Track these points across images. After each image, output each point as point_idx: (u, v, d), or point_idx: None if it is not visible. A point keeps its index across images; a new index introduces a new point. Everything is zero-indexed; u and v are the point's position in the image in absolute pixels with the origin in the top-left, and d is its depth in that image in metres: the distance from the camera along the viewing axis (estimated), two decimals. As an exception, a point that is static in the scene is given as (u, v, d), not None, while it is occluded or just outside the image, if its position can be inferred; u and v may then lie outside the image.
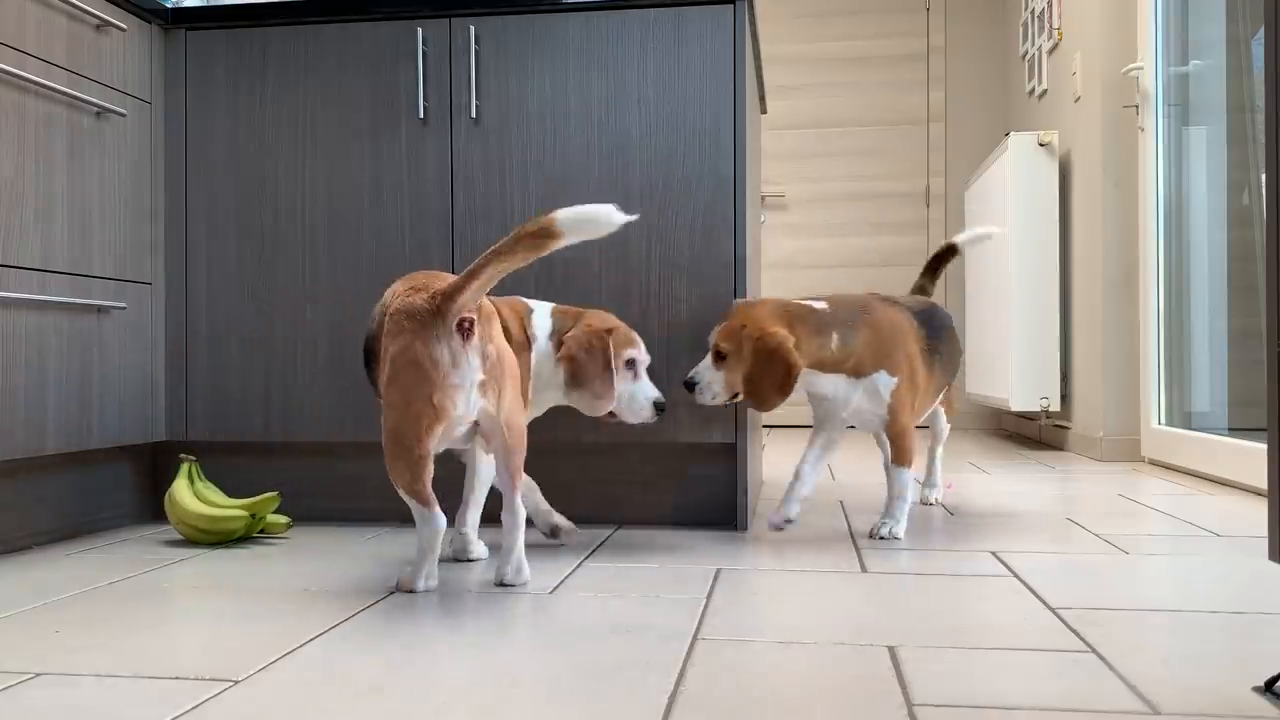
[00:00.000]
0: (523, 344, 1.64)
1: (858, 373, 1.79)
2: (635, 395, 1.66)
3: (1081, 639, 1.17)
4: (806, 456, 1.89)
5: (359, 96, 1.99)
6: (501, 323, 1.56)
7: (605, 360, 1.61)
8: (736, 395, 1.75)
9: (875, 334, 1.79)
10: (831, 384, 1.80)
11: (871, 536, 1.83)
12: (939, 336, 1.93)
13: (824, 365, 1.78)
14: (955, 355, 2.02)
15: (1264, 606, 1.32)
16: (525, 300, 1.70)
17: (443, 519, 1.40)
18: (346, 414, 1.98)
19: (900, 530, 1.84)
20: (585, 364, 1.61)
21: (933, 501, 2.27)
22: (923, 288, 2.19)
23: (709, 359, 1.74)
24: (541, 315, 1.68)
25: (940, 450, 2.33)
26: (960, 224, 4.76)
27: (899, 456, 1.84)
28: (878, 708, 0.94)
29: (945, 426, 2.30)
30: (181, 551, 1.74)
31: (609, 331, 1.64)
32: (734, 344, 1.72)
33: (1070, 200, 3.66)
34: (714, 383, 1.73)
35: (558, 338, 1.66)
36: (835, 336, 1.77)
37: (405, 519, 2.03)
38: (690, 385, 1.74)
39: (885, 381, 1.79)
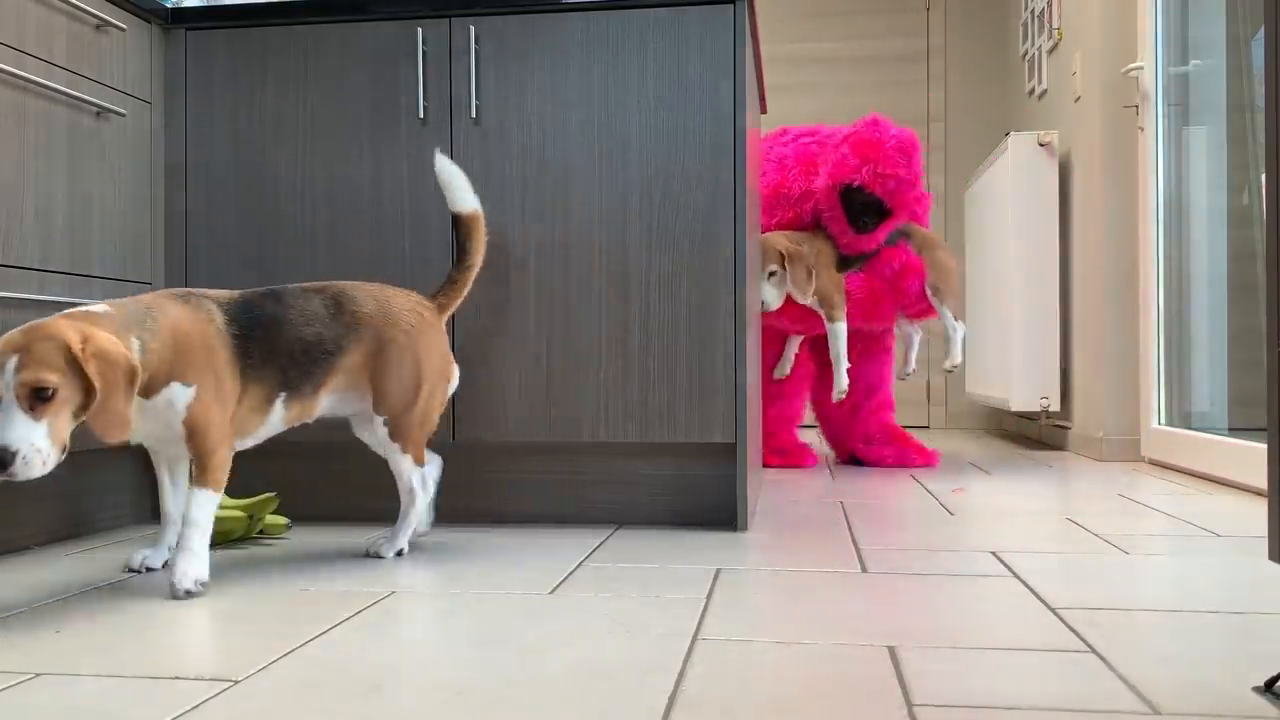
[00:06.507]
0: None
1: None
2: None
3: (1081, 639, 1.17)
4: None
5: (359, 97, 1.99)
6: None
7: None
8: None
9: None
10: None
11: None
12: None
13: None
14: None
15: (1264, 606, 1.32)
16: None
17: None
18: (346, 414, 1.98)
19: None
20: None
21: None
22: None
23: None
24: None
25: None
26: (960, 223, 4.76)
27: None
28: (878, 708, 0.94)
29: None
30: (181, 551, 1.74)
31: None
32: None
33: (1070, 200, 3.66)
34: None
35: None
36: None
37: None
38: None
39: None
